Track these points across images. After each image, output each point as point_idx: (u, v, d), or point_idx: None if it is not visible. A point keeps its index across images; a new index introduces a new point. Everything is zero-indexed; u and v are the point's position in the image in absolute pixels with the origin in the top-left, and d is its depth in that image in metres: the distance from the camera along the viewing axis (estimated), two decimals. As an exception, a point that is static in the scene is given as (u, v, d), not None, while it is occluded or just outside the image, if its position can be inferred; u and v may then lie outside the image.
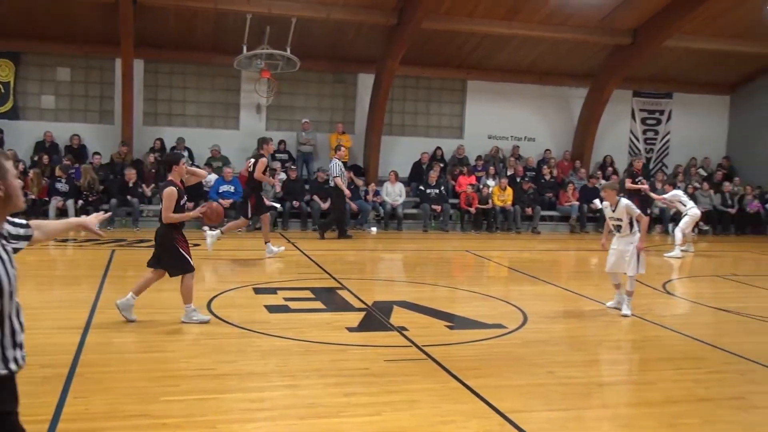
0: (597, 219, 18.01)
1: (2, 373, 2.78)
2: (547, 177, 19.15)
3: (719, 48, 18.58)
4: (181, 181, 7.79)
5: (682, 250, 14.64)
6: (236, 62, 16.71)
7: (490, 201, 17.74)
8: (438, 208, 17.53)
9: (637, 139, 21.22)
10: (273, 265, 11.92)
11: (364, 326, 7.94)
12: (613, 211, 8.85)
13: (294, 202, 16.50)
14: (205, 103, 18.45)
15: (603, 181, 19.14)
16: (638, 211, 8.79)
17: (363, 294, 9.45)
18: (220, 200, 15.70)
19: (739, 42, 18.42)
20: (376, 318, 8.30)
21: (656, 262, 14.16)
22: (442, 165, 18.70)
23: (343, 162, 15.41)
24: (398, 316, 8.33)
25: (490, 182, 18.42)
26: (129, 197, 15.72)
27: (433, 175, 17.81)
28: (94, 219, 3.94)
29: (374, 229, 16.56)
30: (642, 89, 20.96)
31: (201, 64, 18.10)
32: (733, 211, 19.32)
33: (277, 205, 16.24)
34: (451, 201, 18.03)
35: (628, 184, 15.81)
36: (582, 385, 6.30)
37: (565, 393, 6.01)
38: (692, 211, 14.66)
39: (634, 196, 15.29)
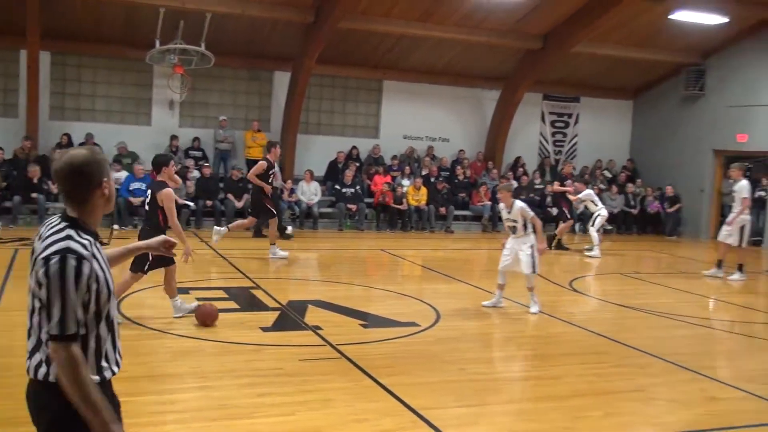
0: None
1: (107, 376, 2.85)
2: (461, 177, 19.50)
3: (623, 55, 19.32)
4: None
5: (587, 249, 15.20)
6: (148, 57, 16.31)
7: (404, 201, 17.93)
8: (353, 207, 17.59)
9: (547, 141, 21.84)
10: (185, 264, 11.70)
11: (278, 326, 7.93)
12: (509, 213, 9.12)
13: (207, 201, 16.26)
14: (115, 98, 17.93)
15: (514, 182, 19.66)
16: (532, 214, 9.06)
17: (277, 293, 9.43)
18: (131, 198, 15.36)
19: (642, 50, 19.21)
20: (290, 317, 8.30)
21: (564, 260, 14.64)
22: (357, 164, 18.78)
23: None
24: (313, 316, 8.36)
25: (405, 182, 18.62)
26: (33, 194, 15.15)
27: (349, 174, 17.88)
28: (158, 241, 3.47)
29: (290, 228, 16.48)
30: (552, 93, 21.58)
31: (111, 58, 17.58)
32: (635, 211, 20.15)
33: (191, 204, 15.99)
34: (367, 200, 18.14)
35: (556, 186, 16.40)
36: (491, 381, 6.49)
37: (476, 389, 6.18)
38: (603, 212, 15.36)
39: (562, 198, 15.85)
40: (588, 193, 15.54)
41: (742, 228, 12.62)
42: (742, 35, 18.62)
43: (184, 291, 9.33)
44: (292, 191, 17.31)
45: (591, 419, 5.60)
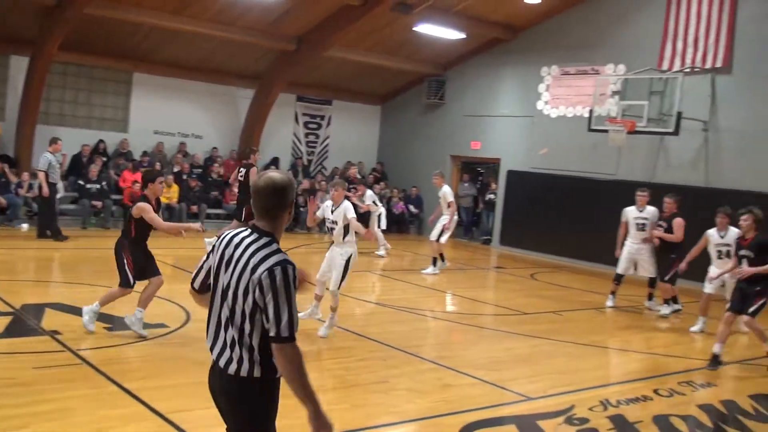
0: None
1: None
2: (215, 175, 19.25)
3: (372, 62, 20.23)
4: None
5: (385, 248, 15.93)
6: None
7: (155, 198, 17.31)
8: (99, 204, 16.67)
9: (300, 142, 22.23)
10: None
11: (10, 332, 7.36)
12: (332, 212, 8.40)
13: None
14: None
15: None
16: (352, 215, 8.38)
17: (10, 296, 8.72)
18: None
19: (389, 58, 20.26)
20: (24, 322, 7.74)
21: (316, 260, 15.02)
22: (104, 159, 17.82)
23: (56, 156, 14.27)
24: (51, 320, 7.87)
25: (156, 178, 17.96)
26: None
27: (94, 170, 16.89)
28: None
29: (26, 226, 15.29)
30: (305, 94, 21.99)
31: None
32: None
33: None
34: (115, 197, 17.26)
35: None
36: (242, 380, 6.53)
37: (225, 389, 6.19)
38: (383, 210, 16.54)
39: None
40: (371, 194, 16.22)
41: (443, 226, 13.91)
42: (478, 51, 20.33)
43: None
44: (30, 186, 15.95)
45: (338, 412, 5.86)
